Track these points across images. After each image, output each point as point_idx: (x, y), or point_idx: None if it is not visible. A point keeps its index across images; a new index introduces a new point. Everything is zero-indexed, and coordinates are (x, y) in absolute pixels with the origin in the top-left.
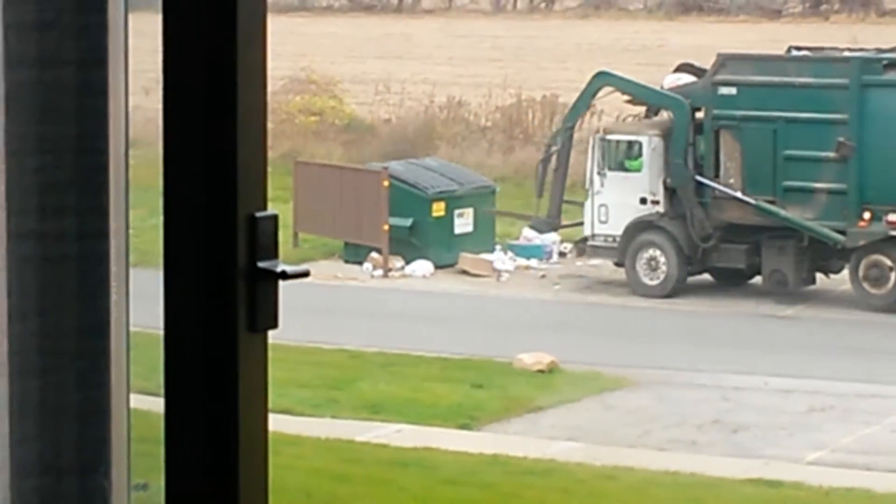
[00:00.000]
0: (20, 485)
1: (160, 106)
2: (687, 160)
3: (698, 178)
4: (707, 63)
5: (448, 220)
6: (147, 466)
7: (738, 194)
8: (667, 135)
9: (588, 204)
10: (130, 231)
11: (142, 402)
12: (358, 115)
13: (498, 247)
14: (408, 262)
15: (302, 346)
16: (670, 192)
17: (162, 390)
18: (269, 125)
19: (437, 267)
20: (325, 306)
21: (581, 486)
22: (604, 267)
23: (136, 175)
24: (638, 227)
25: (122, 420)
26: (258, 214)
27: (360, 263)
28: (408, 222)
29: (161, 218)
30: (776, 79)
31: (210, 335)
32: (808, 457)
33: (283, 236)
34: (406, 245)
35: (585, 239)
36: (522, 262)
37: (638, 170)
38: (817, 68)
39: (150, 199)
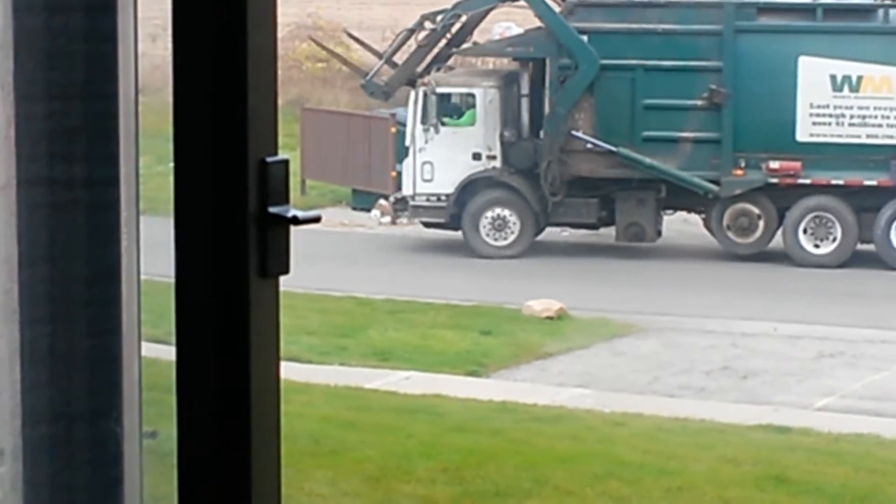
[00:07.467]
0: (31, 431)
1: (167, 52)
2: (572, 113)
3: (574, 132)
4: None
5: None
6: (157, 414)
7: (612, 147)
8: (503, 85)
9: (408, 162)
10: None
11: (151, 349)
12: (365, 61)
13: None
14: None
15: (310, 293)
16: (506, 146)
17: (172, 338)
18: None
19: None
20: (333, 253)
21: (591, 433)
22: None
23: (142, 122)
24: (476, 185)
25: (133, 366)
26: (269, 159)
27: (368, 210)
28: None
29: (169, 165)
30: (634, 26)
31: (221, 281)
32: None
33: (291, 183)
34: None
35: (404, 199)
36: None
37: (470, 124)
38: (684, 14)
39: (157, 147)
